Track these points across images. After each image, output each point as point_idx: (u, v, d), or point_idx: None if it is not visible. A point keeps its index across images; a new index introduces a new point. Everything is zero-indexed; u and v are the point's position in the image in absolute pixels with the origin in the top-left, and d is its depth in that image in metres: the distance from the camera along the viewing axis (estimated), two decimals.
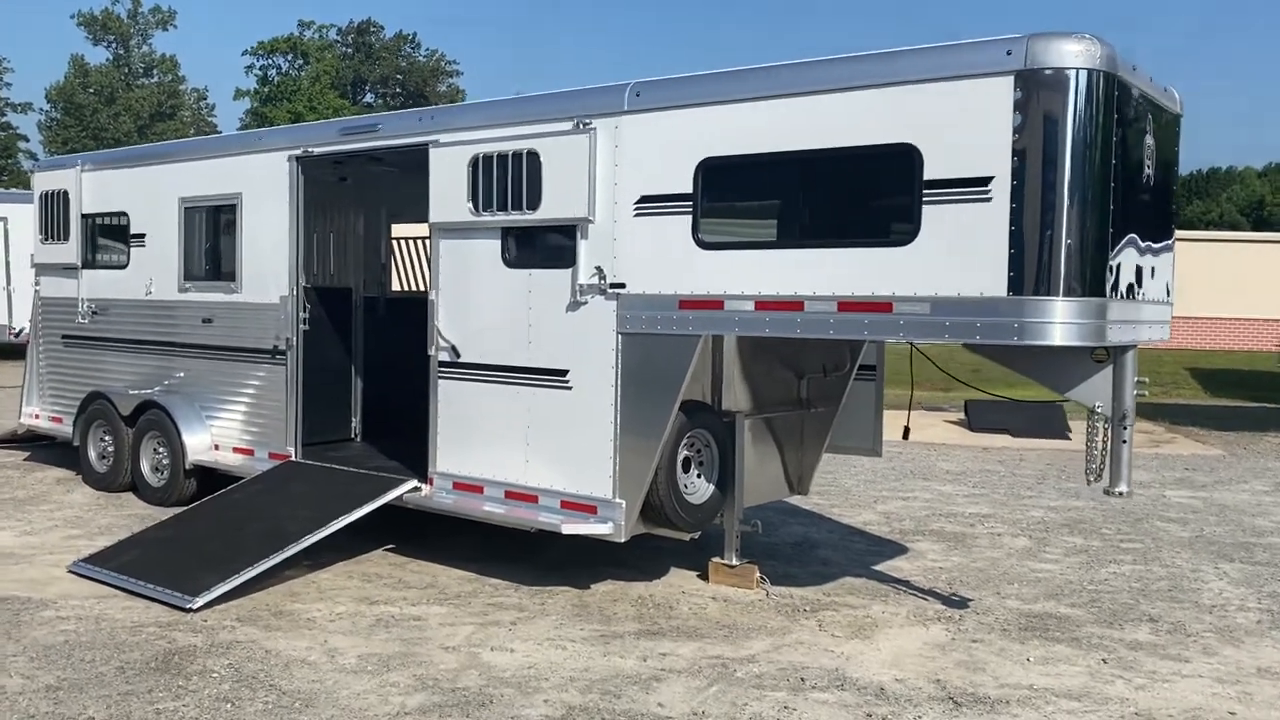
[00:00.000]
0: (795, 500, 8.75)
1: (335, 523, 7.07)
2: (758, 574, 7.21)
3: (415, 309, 10.41)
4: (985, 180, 5.32)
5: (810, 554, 8.23)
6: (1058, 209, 5.23)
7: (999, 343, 5.38)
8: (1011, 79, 5.25)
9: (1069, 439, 15.21)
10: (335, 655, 5.71)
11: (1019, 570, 7.92)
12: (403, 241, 10.98)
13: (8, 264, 19.60)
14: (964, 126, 5.37)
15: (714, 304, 6.17)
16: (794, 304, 5.88)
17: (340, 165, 9.28)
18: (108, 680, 5.23)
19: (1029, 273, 5.28)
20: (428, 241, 10.93)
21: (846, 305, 5.70)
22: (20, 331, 12.29)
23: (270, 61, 70.99)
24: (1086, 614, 6.84)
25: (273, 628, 6.13)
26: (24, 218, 19.59)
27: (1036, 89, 5.23)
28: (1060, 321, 5.29)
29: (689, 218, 6.25)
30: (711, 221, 6.23)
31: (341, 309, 9.53)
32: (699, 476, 7.07)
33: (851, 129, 5.68)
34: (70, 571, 7.10)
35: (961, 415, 16.55)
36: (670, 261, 6.33)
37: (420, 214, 10.82)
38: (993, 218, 5.30)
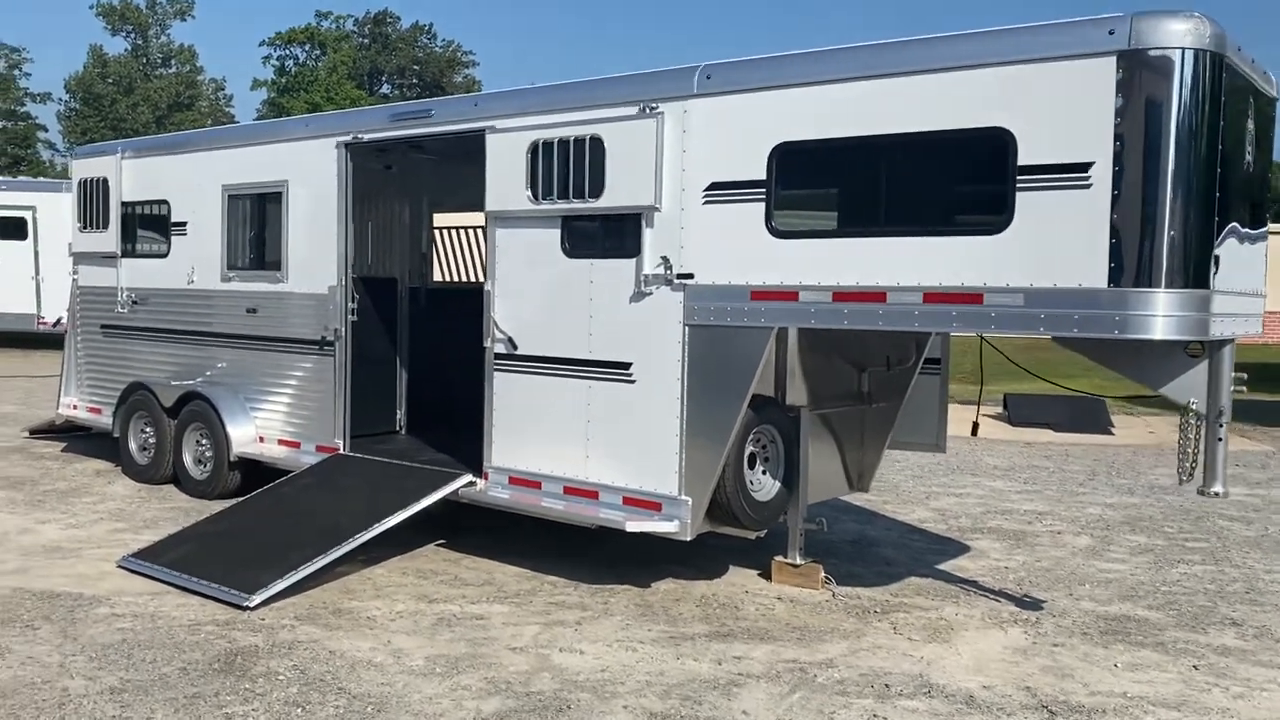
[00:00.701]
0: (847, 497, 8.53)
1: (390, 519, 6.89)
2: (823, 573, 7.01)
3: (457, 300, 10.29)
4: (1084, 166, 5.08)
5: (870, 552, 8.02)
6: (1162, 196, 5.00)
7: (1097, 336, 5.15)
8: (1114, 60, 5.02)
9: (1113, 434, 14.96)
10: (401, 656, 5.53)
11: (1087, 570, 7.69)
12: (443, 231, 10.78)
13: (37, 254, 19.52)
14: (1061, 110, 5.14)
15: (788, 295, 5.96)
16: (875, 295, 5.66)
17: (383, 153, 9.10)
18: (172, 682, 5.06)
19: (1130, 263, 5.05)
20: (468, 231, 10.84)
21: (933, 296, 5.48)
22: (57, 321, 12.14)
23: (288, 52, 70.96)
24: (1166, 617, 6.61)
25: (333, 627, 5.95)
26: (52, 207, 19.64)
27: (1141, 70, 5.00)
28: (1162, 314, 5.06)
29: (762, 205, 6.03)
30: (786, 209, 6.01)
31: (386, 300, 9.34)
32: (764, 473, 6.87)
33: (939, 112, 5.45)
34: (120, 567, 6.94)
35: (1000, 409, 16.29)
36: (741, 251, 6.12)
37: (461, 203, 10.69)
38: (1092, 205, 5.07)
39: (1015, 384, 15.60)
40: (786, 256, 5.96)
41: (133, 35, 65.86)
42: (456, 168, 9.95)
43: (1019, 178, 5.24)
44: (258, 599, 6.17)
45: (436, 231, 10.57)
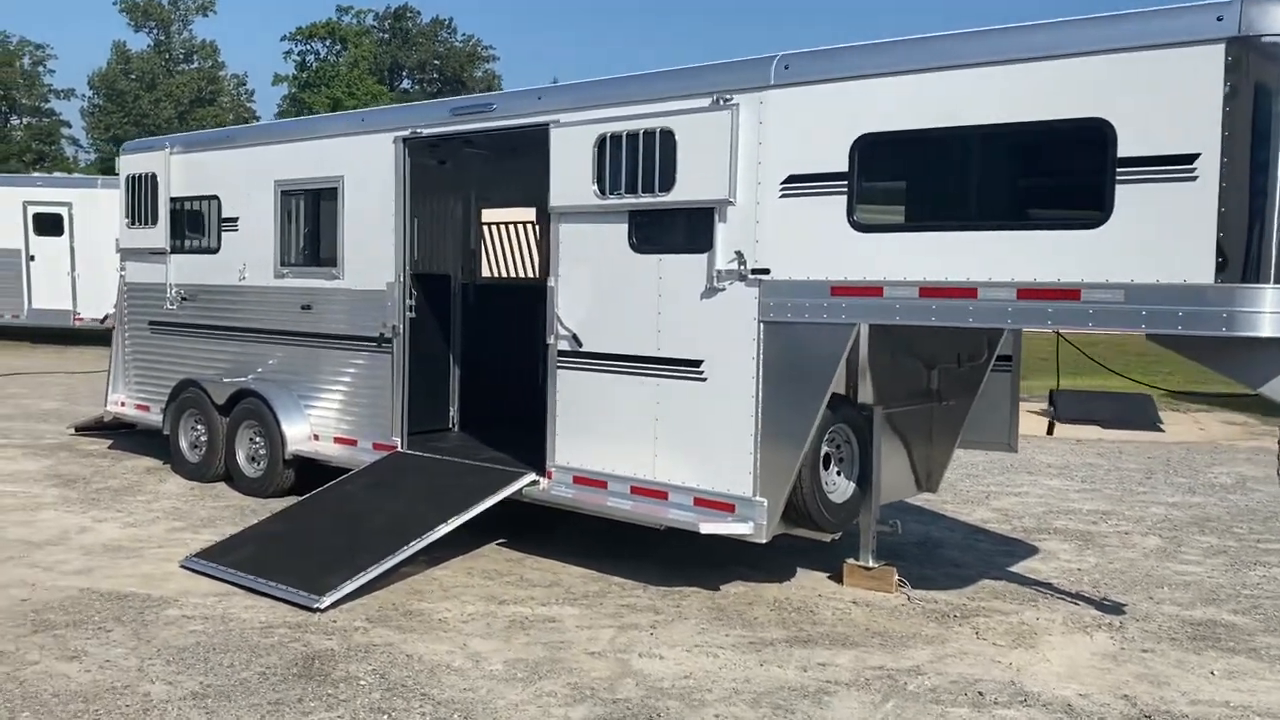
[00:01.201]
0: (910, 498, 8.37)
1: (456, 518, 6.78)
2: (897, 577, 6.85)
3: (506, 296, 10.19)
4: (1190, 158, 4.91)
5: (938, 554, 7.86)
6: (1272, 188, 4.83)
7: (1203, 333, 4.98)
8: (1222, 47, 4.84)
9: (1162, 431, 14.74)
10: (480, 661, 5.41)
11: (1162, 572, 7.51)
12: (491, 227, 10.66)
13: (73, 250, 19.53)
14: (1165, 99, 4.97)
15: (872, 290, 5.81)
16: (965, 290, 5.50)
17: (435, 148, 8.97)
18: (253, 687, 4.96)
19: (1237, 258, 4.88)
20: (516, 227, 10.72)
21: (1028, 292, 5.32)
22: (105, 318, 12.12)
23: (308, 47, 71.01)
24: (1253, 622, 6.44)
25: (406, 629, 5.84)
26: (89, 203, 19.64)
27: (1250, 57, 4.82)
28: (1270, 311, 4.88)
29: (843, 198, 5.88)
30: (869, 201, 5.87)
31: (439, 296, 9.23)
32: (839, 474, 6.73)
33: (1034, 102, 5.28)
34: (184, 567, 6.85)
35: (1045, 405, 16.06)
36: (821, 245, 5.97)
37: (507, 198, 10.60)
38: (1198, 198, 4.90)
39: (1043, 380, 15.32)
40: (869, 251, 5.81)
41: (155, 31, 66.02)
42: (504, 163, 9.87)
43: (1119, 170, 5.07)
44: (328, 601, 6.07)
45: (485, 228, 10.45)
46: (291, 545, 6.89)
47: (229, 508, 8.58)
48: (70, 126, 63.12)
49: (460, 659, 5.43)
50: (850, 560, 6.97)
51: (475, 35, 74.51)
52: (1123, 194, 5.07)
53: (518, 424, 9.66)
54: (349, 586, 6.18)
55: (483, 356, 9.63)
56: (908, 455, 7.63)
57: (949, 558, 7.78)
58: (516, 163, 9.91)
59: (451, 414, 9.43)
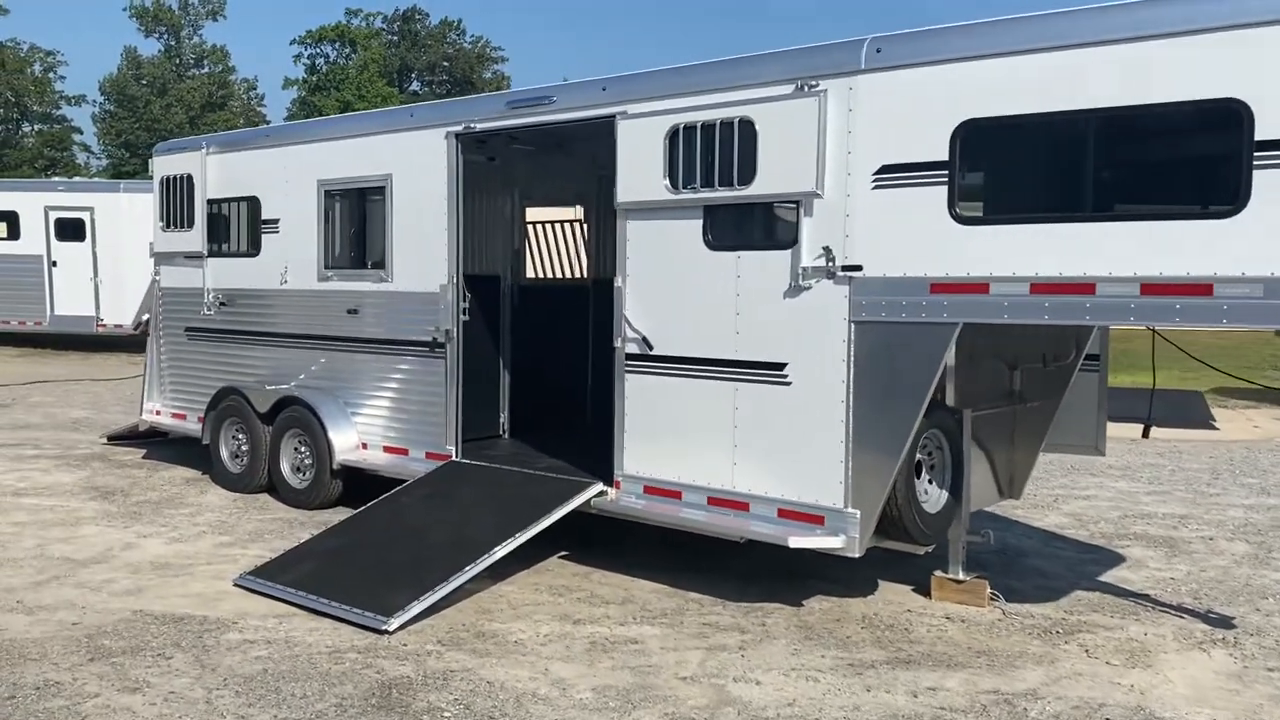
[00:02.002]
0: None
1: (524, 532, 6.43)
2: (989, 590, 6.49)
3: (552, 297, 9.85)
4: None
5: (1021, 563, 7.48)
6: None
7: None
8: None
9: (1216, 429, 14.33)
10: (566, 688, 5.06)
11: (1260, 582, 7.12)
12: (536, 226, 10.31)
13: (95, 255, 19.22)
14: None
15: (976, 287, 5.44)
16: (1083, 286, 5.13)
17: (483, 144, 8.61)
18: None
19: None
20: (560, 225, 10.37)
21: (1152, 287, 4.94)
22: (139, 324, 11.81)
23: (318, 50, 70.85)
24: None
25: (481, 653, 5.49)
26: (110, 208, 19.34)
27: None
28: None
29: (944, 189, 5.51)
30: (973, 192, 5.49)
31: (489, 298, 8.89)
32: (930, 482, 6.36)
33: (1158, 83, 4.91)
34: (238, 586, 6.51)
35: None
36: (919, 239, 5.60)
37: (551, 196, 10.25)
38: None
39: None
40: (973, 245, 5.44)
41: (165, 36, 65.87)
42: (549, 160, 9.52)
43: (1256, 154, 4.69)
44: (396, 622, 5.72)
45: (530, 226, 10.10)
46: (351, 562, 6.54)
47: (275, 520, 8.24)
48: (81, 133, 62.94)
49: (545, 686, 5.08)
50: (938, 573, 6.61)
51: (484, 36, 74.10)
52: (1261, 180, 4.69)
53: (570, 430, 9.33)
54: (418, 606, 5.83)
55: (531, 360, 9.30)
56: (989, 461, 7.26)
57: (1034, 567, 7.40)
58: (563, 159, 9.60)
59: (502, 420, 9.10)
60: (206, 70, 66.50)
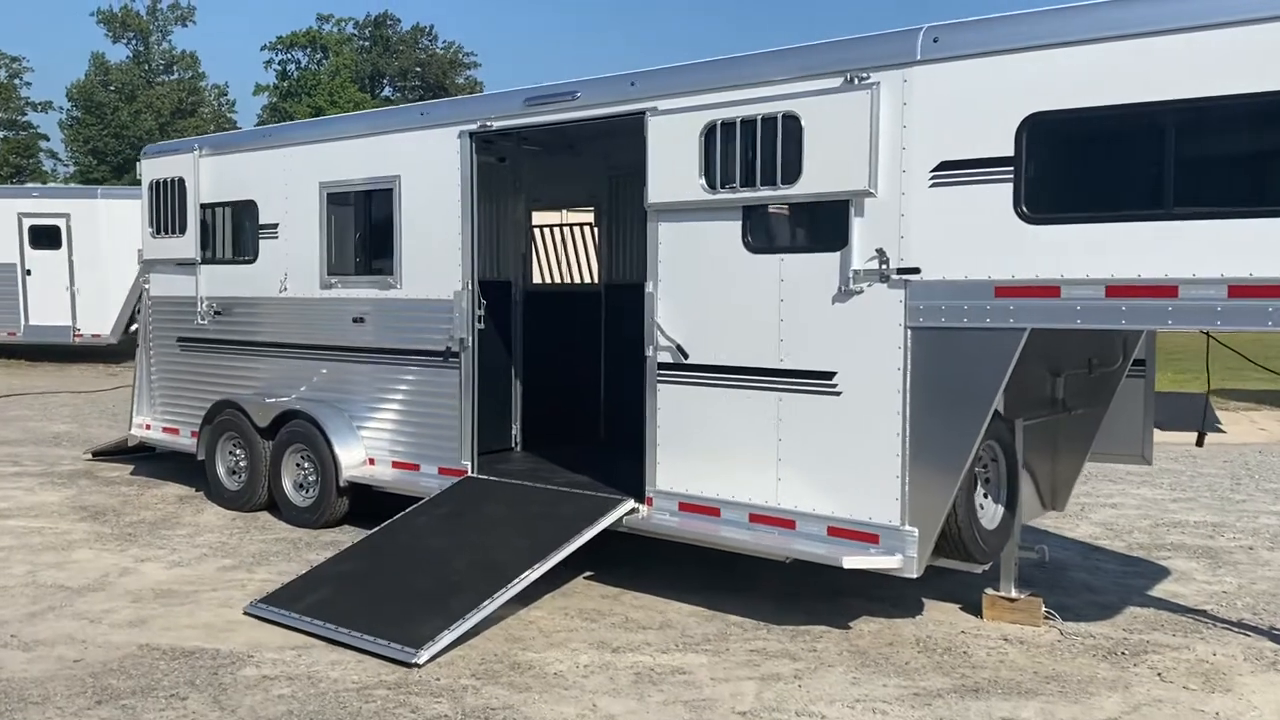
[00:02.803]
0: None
1: (555, 554, 6.05)
2: (1044, 608, 6.17)
3: (561, 303, 9.48)
4: None
5: (1065, 577, 7.18)
6: None
7: None
8: None
9: (1223, 431, 14.12)
10: None
11: None
12: (542, 229, 9.94)
13: (71, 264, 18.60)
14: None
15: (1046, 290, 5.11)
16: (1164, 289, 4.82)
17: (491, 144, 8.24)
18: None
19: None
20: (572, 229, 10.01)
21: (1243, 289, 4.64)
22: (127, 327, 11.16)
23: (289, 56, 70.20)
24: None
25: (520, 687, 5.11)
26: (87, 215, 18.76)
27: None
28: None
29: (1009, 186, 5.19)
30: (1041, 189, 5.16)
31: (501, 305, 8.50)
32: (985, 496, 6.03)
33: (1245, 72, 4.60)
34: (249, 614, 6.09)
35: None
36: (982, 240, 5.28)
37: (558, 199, 9.89)
38: None
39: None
40: (1042, 245, 5.11)
41: (134, 42, 65.00)
42: (557, 160, 9.15)
43: None
44: (426, 655, 5.32)
45: (537, 230, 9.72)
46: (370, 587, 6.13)
47: (280, 541, 7.81)
48: (49, 140, 61.87)
49: None
50: (989, 590, 6.29)
51: (456, 42, 73.50)
52: None
53: (584, 443, 8.96)
54: (448, 636, 5.44)
55: (542, 369, 8.92)
56: (1031, 473, 6.95)
57: (1080, 582, 7.10)
58: (571, 160, 9.23)
59: (514, 433, 8.72)
60: (176, 76, 65.67)
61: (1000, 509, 6.05)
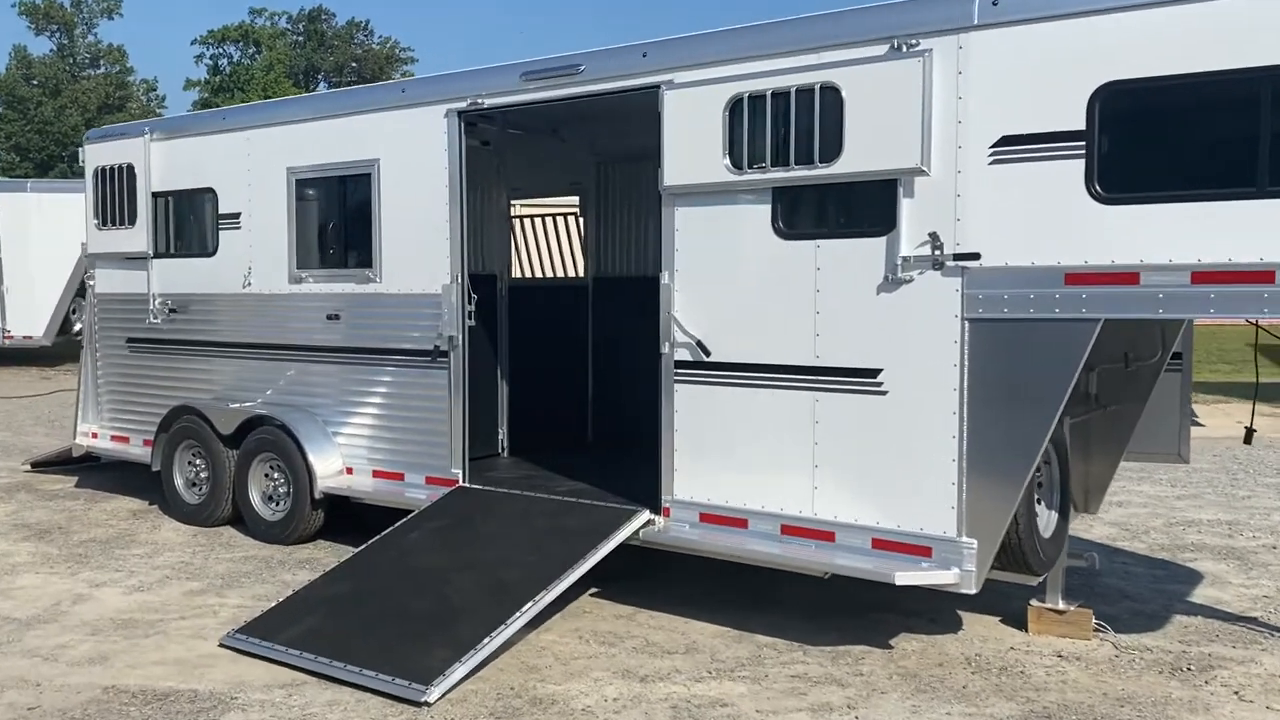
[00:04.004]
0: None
1: (569, 573, 5.49)
2: (1094, 620, 5.74)
3: (545, 297, 8.89)
4: None
5: (1099, 584, 6.76)
6: None
7: None
8: None
9: (1202, 425, 13.92)
10: None
11: None
12: (524, 220, 9.34)
13: (0, 262, 17.48)
14: None
15: (1123, 277, 4.66)
16: (1259, 274, 4.38)
17: (474, 126, 7.61)
18: None
19: None
20: (555, 219, 9.42)
21: None
22: (77, 333, 10.06)
23: (221, 50, 68.45)
24: None
25: None
26: (15, 209, 17.65)
27: None
28: None
29: (1080, 162, 4.72)
30: (1116, 166, 4.70)
31: (487, 300, 7.89)
32: (1039, 502, 5.57)
33: None
34: (226, 647, 5.43)
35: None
36: (1050, 222, 4.81)
37: (542, 186, 9.29)
38: None
39: None
40: (1118, 228, 4.66)
41: (58, 35, 62.83)
42: (539, 145, 8.55)
43: None
44: (437, 692, 4.72)
45: (517, 220, 9.12)
46: (364, 614, 5.50)
47: (249, 559, 7.13)
48: None
49: None
50: (1034, 602, 5.84)
51: (393, 37, 72.21)
52: None
53: (573, 446, 8.40)
54: (459, 670, 4.84)
55: (527, 369, 8.32)
56: None
57: (1115, 589, 6.69)
58: (555, 145, 8.64)
59: (501, 437, 8.11)
60: (103, 70, 63.63)
61: (1054, 515, 5.60)
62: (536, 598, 5.28)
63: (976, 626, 5.92)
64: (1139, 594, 6.59)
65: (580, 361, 8.85)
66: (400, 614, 5.42)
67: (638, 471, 7.03)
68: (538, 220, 9.26)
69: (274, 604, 5.75)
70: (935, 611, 6.08)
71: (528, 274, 9.32)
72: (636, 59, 6.02)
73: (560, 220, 9.23)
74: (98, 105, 59.93)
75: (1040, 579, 5.61)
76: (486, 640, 5.00)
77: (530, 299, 8.61)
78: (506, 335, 8.18)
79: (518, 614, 5.17)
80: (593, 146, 8.68)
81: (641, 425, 8.39)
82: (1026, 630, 5.81)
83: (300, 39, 70.29)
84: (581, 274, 9.08)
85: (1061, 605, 5.77)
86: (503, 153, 8.29)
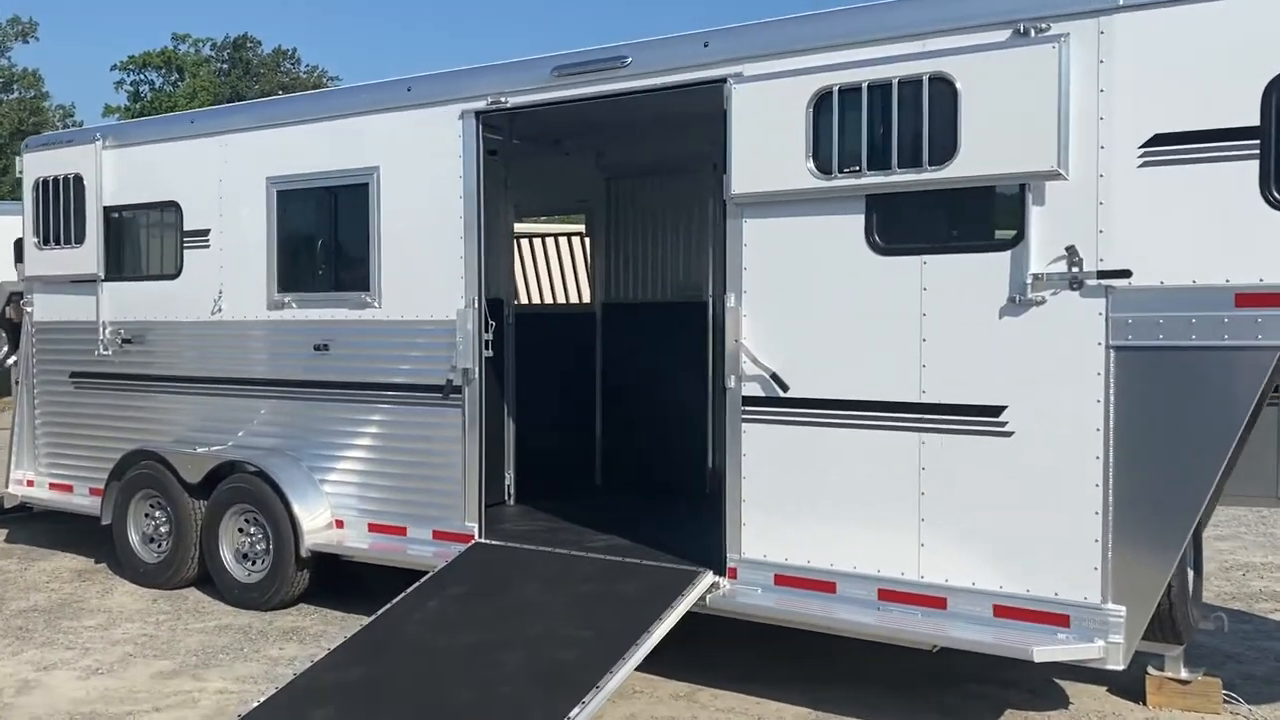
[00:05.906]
0: None
1: (635, 651, 4.61)
2: (1223, 690, 5.03)
3: (549, 326, 8.06)
4: None
5: (1191, 643, 6.06)
6: None
7: None
8: None
9: None
10: None
11: None
12: (518, 240, 8.49)
13: None
14: None
15: None
16: None
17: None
18: None
19: None
20: (559, 241, 8.58)
21: None
22: (12, 362, 8.85)
23: (142, 77, 66.46)
24: None
25: None
26: None
27: None
28: None
29: (1253, 164, 4.04)
30: None
31: (495, 329, 6.98)
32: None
33: None
34: None
35: None
36: (1216, 234, 4.11)
37: (543, 205, 8.45)
38: None
39: None
40: None
41: None
42: (541, 159, 7.72)
43: None
44: None
45: (518, 241, 8.26)
46: (392, 705, 4.54)
47: (224, 629, 6.11)
48: None
49: None
50: (1153, 670, 5.11)
51: (320, 66, 70.69)
52: None
53: (582, 491, 7.55)
54: None
55: (533, 405, 7.45)
56: None
57: (1211, 647, 5.98)
58: (559, 159, 7.84)
59: (508, 483, 7.20)
60: (16, 95, 61.27)
61: (1191, 572, 4.89)
62: (598, 684, 4.39)
63: (1086, 699, 5.18)
64: (1241, 654, 5.92)
65: (589, 397, 8.00)
66: (438, 707, 4.47)
67: (675, 522, 6.23)
68: (537, 241, 8.41)
69: (272, 691, 4.75)
70: (1029, 682, 5.33)
71: (533, 300, 8.45)
72: (696, 49, 5.23)
73: (564, 241, 8.38)
74: (10, 131, 57.61)
75: (1182, 649, 4.88)
76: None
77: (536, 328, 7.75)
78: (513, 368, 7.30)
79: (578, 708, 4.27)
80: (599, 161, 7.89)
81: (654, 469, 7.61)
82: (1144, 703, 5.08)
83: (225, 66, 68.62)
84: (589, 301, 8.23)
85: (1184, 674, 5.04)
86: (510, 164, 7.44)
